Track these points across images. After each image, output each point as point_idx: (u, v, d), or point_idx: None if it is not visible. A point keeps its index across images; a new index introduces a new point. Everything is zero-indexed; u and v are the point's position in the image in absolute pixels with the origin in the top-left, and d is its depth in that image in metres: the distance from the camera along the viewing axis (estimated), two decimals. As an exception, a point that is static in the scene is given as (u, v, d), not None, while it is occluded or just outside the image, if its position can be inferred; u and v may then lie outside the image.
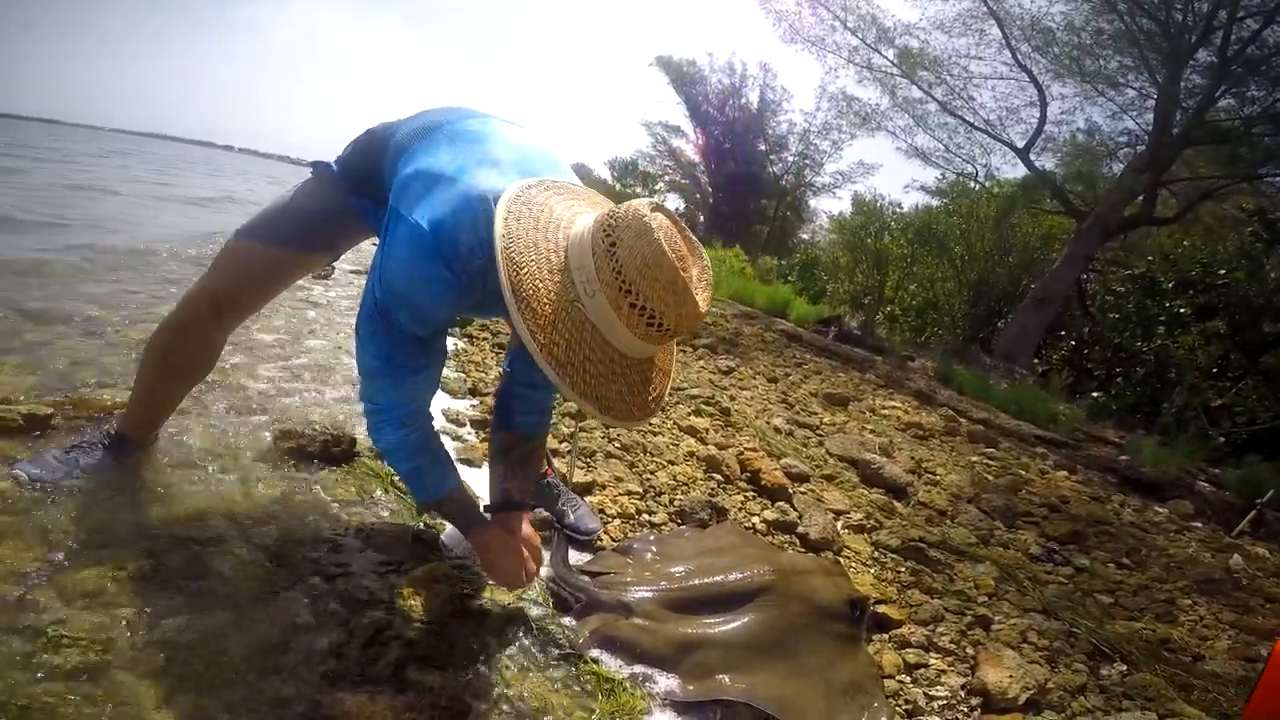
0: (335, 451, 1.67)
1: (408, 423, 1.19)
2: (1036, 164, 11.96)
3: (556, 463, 1.85)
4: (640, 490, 1.98)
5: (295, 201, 1.39)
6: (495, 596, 1.36)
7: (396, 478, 1.70)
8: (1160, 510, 3.55)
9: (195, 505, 1.39)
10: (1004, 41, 11.52)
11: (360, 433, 1.78)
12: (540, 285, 0.97)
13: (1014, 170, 13.27)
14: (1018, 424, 5.40)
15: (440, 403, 2.31)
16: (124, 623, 1.04)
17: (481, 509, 1.37)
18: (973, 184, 13.36)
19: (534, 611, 1.34)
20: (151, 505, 1.35)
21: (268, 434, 1.75)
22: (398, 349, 1.12)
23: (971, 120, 12.52)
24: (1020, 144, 11.99)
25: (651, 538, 1.68)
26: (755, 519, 1.98)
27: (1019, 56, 11.51)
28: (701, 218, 23.29)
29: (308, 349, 2.66)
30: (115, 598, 1.09)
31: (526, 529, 1.35)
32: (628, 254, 0.94)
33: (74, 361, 1.97)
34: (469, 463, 1.89)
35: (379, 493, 1.62)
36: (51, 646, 0.97)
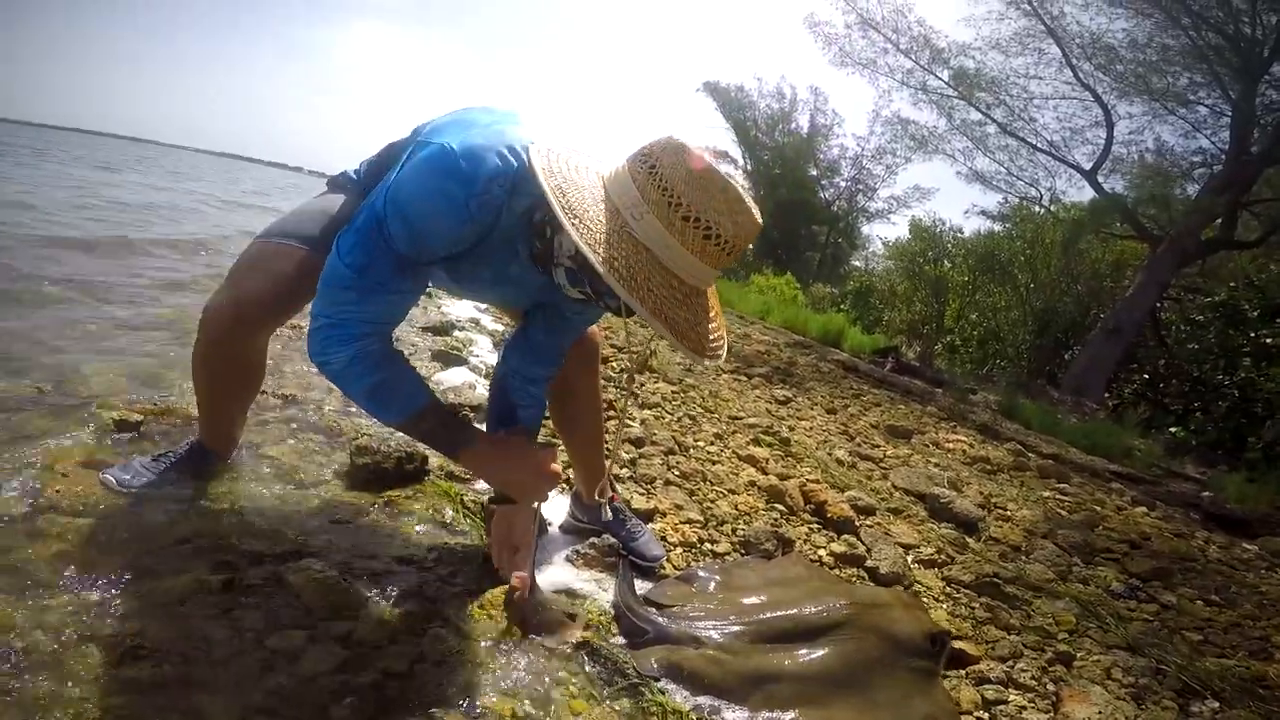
0: (408, 469, 1.71)
1: (365, 336, 1.07)
2: (1105, 186, 11.56)
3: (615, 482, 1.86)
4: (701, 519, 1.96)
5: (311, 204, 1.39)
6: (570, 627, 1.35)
7: (465, 496, 1.73)
8: (1249, 547, 3.33)
9: (272, 519, 1.43)
10: (1064, 60, 11.25)
11: (431, 450, 1.83)
12: (589, 210, 0.93)
13: (1081, 193, 12.86)
14: (1090, 459, 5.16)
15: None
16: (201, 637, 1.07)
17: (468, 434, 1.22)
18: (1037, 208, 13.01)
19: (602, 640, 1.33)
20: (230, 518, 1.40)
21: (343, 450, 1.80)
22: (377, 263, 1.03)
23: (1034, 142, 12.24)
24: (1087, 165, 11.65)
25: (715, 567, 1.66)
26: (821, 551, 1.94)
27: (1081, 75, 11.23)
28: (750, 245, 23.27)
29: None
30: (193, 610, 1.12)
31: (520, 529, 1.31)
32: (670, 170, 0.92)
33: (162, 367, 2.09)
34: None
35: (450, 512, 1.65)
36: (130, 657, 0.99)
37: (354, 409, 2.15)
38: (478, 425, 2.26)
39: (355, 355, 1.06)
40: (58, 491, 1.33)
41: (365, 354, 1.07)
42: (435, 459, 1.82)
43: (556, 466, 1.20)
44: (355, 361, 1.07)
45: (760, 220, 0.97)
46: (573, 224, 0.91)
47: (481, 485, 1.82)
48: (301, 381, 2.28)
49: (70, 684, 0.93)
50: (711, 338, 1.03)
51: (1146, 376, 9.88)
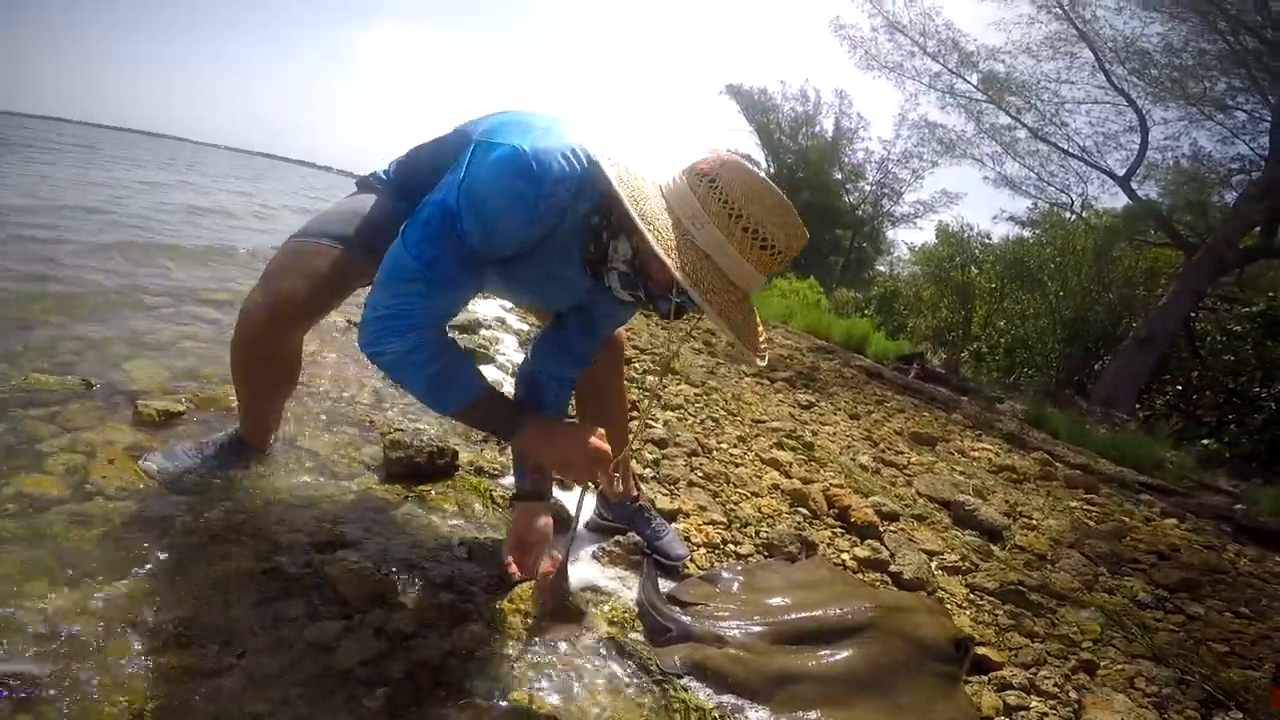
0: (439, 464, 1.74)
1: (424, 327, 1.08)
2: (1139, 192, 11.32)
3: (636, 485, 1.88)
4: (725, 520, 1.97)
5: (344, 204, 1.41)
6: (592, 620, 1.37)
7: (494, 491, 1.76)
8: (1283, 560, 3.27)
9: (309, 510, 1.46)
10: (1097, 65, 11.04)
11: (460, 444, 1.86)
12: (658, 217, 1.00)
13: (1114, 199, 12.61)
14: (1119, 470, 5.08)
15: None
16: (242, 625, 1.09)
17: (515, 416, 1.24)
18: (1068, 214, 12.77)
19: (626, 636, 1.35)
20: (269, 508, 1.43)
21: (375, 443, 1.84)
22: (446, 257, 1.05)
23: (1065, 147, 12.03)
24: (1120, 171, 11.41)
25: (739, 568, 1.67)
26: (845, 555, 1.94)
27: (1114, 80, 11.02)
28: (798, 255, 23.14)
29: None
30: (234, 598, 1.15)
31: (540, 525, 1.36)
32: (729, 184, 0.99)
33: (201, 359, 2.16)
34: (561, 482, 1.93)
35: (479, 506, 1.68)
36: (172, 644, 1.02)
37: (385, 402, 2.20)
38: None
39: (415, 345, 1.07)
40: (104, 478, 1.38)
41: (425, 343, 1.08)
42: (465, 454, 1.86)
43: (605, 445, 1.22)
44: (415, 351, 1.08)
45: (808, 234, 1.05)
46: (649, 230, 0.97)
47: (508, 481, 1.85)
48: (334, 375, 2.33)
49: (113, 671, 0.96)
50: (761, 339, 1.10)
51: (1180, 388, 9.67)
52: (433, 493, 1.68)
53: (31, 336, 2.09)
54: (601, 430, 1.24)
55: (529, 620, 1.30)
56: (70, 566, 1.13)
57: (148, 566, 1.18)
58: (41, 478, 1.35)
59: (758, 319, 1.12)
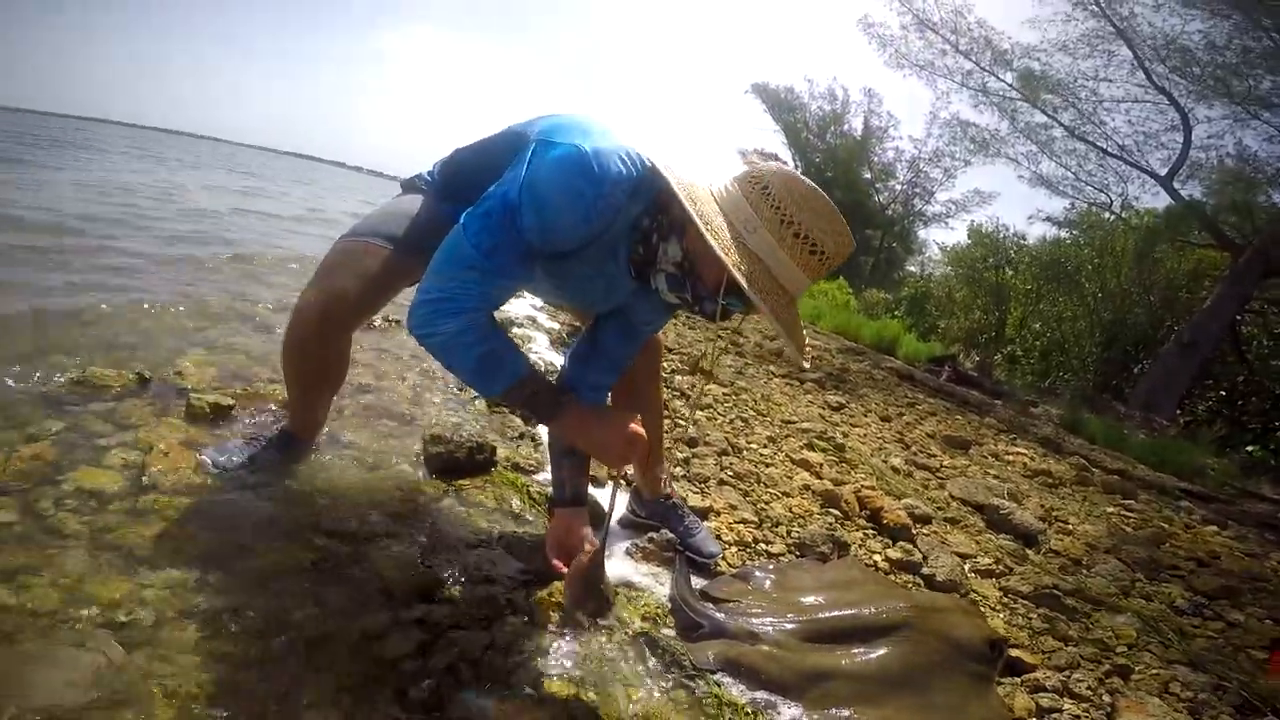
0: (478, 459, 1.78)
1: (475, 310, 1.11)
2: (1182, 192, 10.98)
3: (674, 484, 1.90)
4: (756, 519, 1.98)
5: (392, 205, 1.45)
6: (626, 616, 1.39)
7: (531, 487, 1.80)
8: (1330, 570, 3.16)
9: (354, 503, 1.50)
10: (1136, 63, 10.74)
11: (497, 440, 1.89)
12: (714, 219, 1.04)
13: (1155, 199, 12.24)
14: (1159, 476, 4.96)
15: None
16: (292, 616, 1.12)
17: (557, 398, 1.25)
18: (1107, 214, 12.45)
19: (660, 632, 1.37)
20: (316, 500, 1.48)
21: (414, 437, 1.89)
22: (504, 248, 1.08)
23: (1104, 146, 11.71)
24: (1162, 171, 11.09)
25: (771, 567, 1.68)
26: (877, 557, 1.94)
27: (1154, 78, 10.69)
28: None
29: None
30: (284, 587, 1.19)
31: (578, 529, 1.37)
32: (780, 191, 1.02)
33: (248, 356, 2.23)
34: (595, 480, 1.95)
35: (516, 502, 1.72)
36: (225, 634, 1.05)
37: (423, 398, 2.26)
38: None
39: (465, 326, 1.10)
40: (159, 470, 1.43)
41: (474, 326, 1.10)
42: (503, 450, 1.90)
43: (641, 430, 1.23)
44: (465, 332, 1.10)
45: (854, 241, 1.08)
46: (706, 230, 1.00)
47: (544, 477, 1.89)
48: (375, 370, 2.40)
49: (170, 660, 0.99)
50: (806, 341, 1.13)
51: (1223, 393, 9.38)
52: (471, 487, 1.71)
53: (90, 332, 2.20)
54: (638, 416, 1.25)
55: (559, 610, 1.32)
56: (128, 559, 1.17)
57: (202, 558, 1.21)
58: (100, 472, 1.40)
59: (800, 322, 1.14)
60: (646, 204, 1.14)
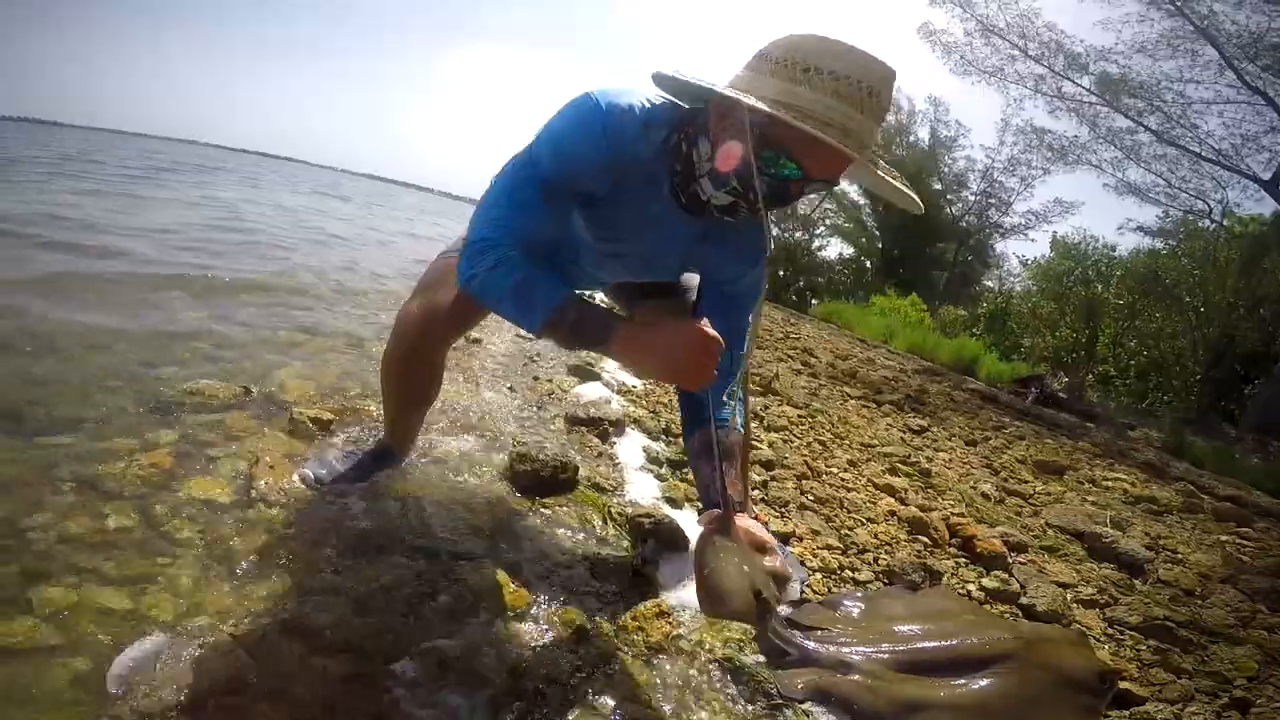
0: (562, 478, 1.81)
1: (507, 245, 1.09)
2: (1289, 198, 10.16)
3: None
4: (840, 545, 1.93)
5: None
6: (708, 640, 1.36)
7: (611, 507, 1.80)
8: None
9: (447, 518, 1.54)
10: (1224, 62, 10.02)
11: (579, 459, 1.93)
12: (725, 89, 0.98)
13: (1259, 205, 11.34)
14: (1277, 503, 4.55)
15: (637, 440, 2.44)
16: (393, 633, 1.15)
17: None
18: (1206, 222, 11.63)
19: (745, 659, 1.34)
20: (412, 514, 1.52)
21: (499, 452, 1.93)
22: (525, 186, 1.13)
23: (1197, 150, 10.94)
24: (1265, 175, 10.27)
25: (859, 595, 1.63)
26: (970, 586, 1.86)
27: (1246, 78, 9.94)
28: (869, 263, 22.25)
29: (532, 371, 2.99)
30: (385, 604, 1.22)
31: (757, 530, 1.16)
32: (778, 44, 0.97)
33: (344, 372, 2.35)
34: (672, 501, 1.96)
35: (597, 521, 1.73)
36: (328, 648, 1.07)
37: (508, 412, 2.33)
38: (618, 438, 2.29)
39: (497, 261, 1.08)
40: (265, 483, 1.52)
41: (506, 260, 1.08)
42: (584, 469, 1.92)
43: (713, 332, 1.02)
44: (498, 266, 1.08)
45: (886, 64, 0.94)
46: (722, 89, 0.97)
47: (628, 496, 1.90)
48: (458, 386, 2.49)
49: (278, 672, 1.02)
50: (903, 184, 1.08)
51: (1350, 414, 8.54)
52: (555, 506, 1.74)
53: (196, 345, 2.38)
54: (704, 319, 1.03)
55: (651, 639, 1.30)
56: (238, 569, 1.24)
57: (303, 570, 1.26)
58: (211, 483, 1.49)
59: (883, 174, 1.06)
60: (669, 127, 1.11)
